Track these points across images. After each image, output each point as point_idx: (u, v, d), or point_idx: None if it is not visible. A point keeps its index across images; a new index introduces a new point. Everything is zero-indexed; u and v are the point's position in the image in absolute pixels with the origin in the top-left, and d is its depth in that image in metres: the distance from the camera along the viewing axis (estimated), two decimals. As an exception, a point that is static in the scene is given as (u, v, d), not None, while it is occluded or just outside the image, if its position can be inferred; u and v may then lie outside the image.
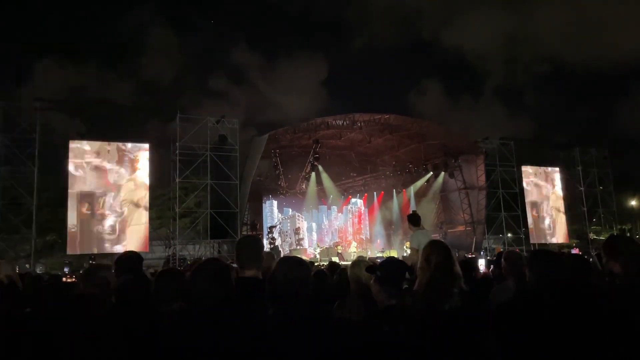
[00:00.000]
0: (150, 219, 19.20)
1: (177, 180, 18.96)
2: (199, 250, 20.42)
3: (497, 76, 78.38)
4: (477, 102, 73.78)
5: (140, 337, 2.45)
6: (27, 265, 17.16)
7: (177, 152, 18.95)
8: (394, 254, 21.39)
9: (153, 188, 19.56)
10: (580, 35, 70.25)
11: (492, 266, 4.90)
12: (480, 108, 68.06)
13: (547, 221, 25.32)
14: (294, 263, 2.50)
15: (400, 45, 79.17)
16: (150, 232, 18.74)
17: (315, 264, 14.41)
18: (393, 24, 77.26)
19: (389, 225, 29.02)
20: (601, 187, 27.31)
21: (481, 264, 10.94)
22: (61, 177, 18.58)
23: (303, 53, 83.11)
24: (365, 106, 78.67)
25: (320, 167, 25.70)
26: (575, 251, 14.07)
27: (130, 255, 3.98)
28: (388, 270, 2.85)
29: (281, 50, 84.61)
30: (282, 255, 20.76)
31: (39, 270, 18.87)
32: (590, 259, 6.50)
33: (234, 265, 4.06)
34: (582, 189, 26.36)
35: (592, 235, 27.17)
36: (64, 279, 9.85)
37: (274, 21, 73.38)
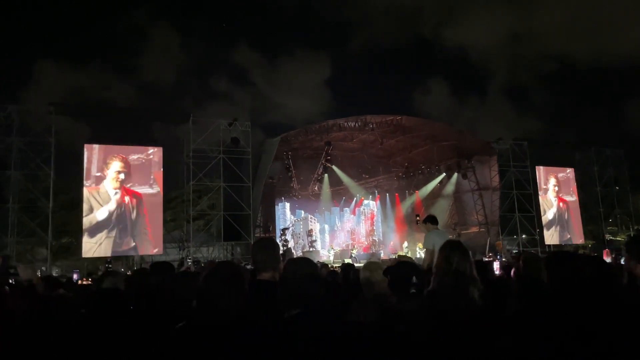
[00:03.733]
0: (164, 221, 19.32)
1: (191, 182, 19.08)
2: (213, 252, 20.51)
3: (503, 75, 77.45)
4: (483, 102, 73.02)
5: (153, 342, 2.45)
6: (44, 268, 17.36)
7: (191, 154, 19.07)
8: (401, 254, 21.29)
9: (166, 191, 19.69)
10: (588, 31, 69.20)
11: (513, 268, 4.84)
12: (486, 107, 67.38)
13: (562, 222, 25.04)
14: (301, 262, 2.51)
15: (402, 44, 78.54)
16: (164, 235, 18.86)
17: (329, 265, 14.39)
18: (394, 23, 76.59)
19: (399, 227, 28.90)
20: (617, 187, 26.97)
21: (496, 266, 10.82)
22: (76, 180, 18.77)
23: (306, 54, 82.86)
24: (370, 106, 78.46)
25: (335, 167, 25.72)
26: (605, 254, 13.84)
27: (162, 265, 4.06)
28: (397, 273, 2.83)
29: (283, 51, 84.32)
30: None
31: (54, 273, 19.08)
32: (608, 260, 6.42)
33: (249, 267, 4.08)
34: (598, 189, 26.04)
35: (608, 236, 26.82)
36: (79, 282, 9.97)
37: (274, 22, 73.37)
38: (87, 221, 17.15)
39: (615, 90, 67.98)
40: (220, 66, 76.90)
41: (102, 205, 17.40)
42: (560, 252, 2.72)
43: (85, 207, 17.19)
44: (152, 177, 18.41)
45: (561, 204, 25.26)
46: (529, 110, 72.53)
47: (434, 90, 74.74)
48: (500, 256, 19.18)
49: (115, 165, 17.88)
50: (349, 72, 75.48)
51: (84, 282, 9.57)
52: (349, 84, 74.31)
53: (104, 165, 17.69)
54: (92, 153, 17.73)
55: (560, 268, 2.50)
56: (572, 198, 25.80)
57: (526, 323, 2.39)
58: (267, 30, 75.35)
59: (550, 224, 24.70)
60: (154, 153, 18.65)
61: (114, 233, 17.37)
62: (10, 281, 8.80)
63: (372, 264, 3.65)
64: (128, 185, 17.90)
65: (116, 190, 17.69)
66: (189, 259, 18.33)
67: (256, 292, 2.72)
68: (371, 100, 68.39)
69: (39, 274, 12.22)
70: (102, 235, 17.27)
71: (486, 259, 17.68)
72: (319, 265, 7.23)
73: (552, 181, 25.24)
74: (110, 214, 17.45)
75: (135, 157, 18.32)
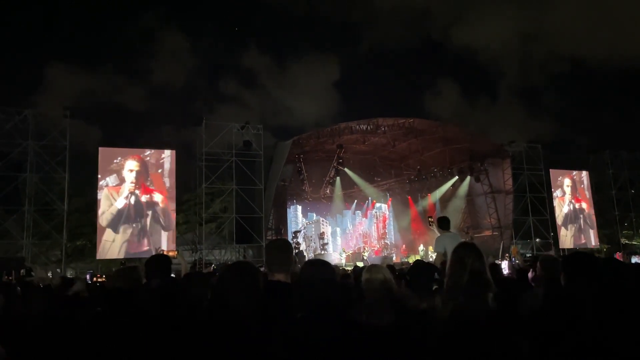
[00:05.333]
0: (177, 224, 19.43)
1: (204, 185, 19.17)
2: (225, 255, 20.59)
3: (513, 76, 76.55)
4: (494, 104, 72.18)
5: (166, 337, 2.46)
6: (59, 270, 17.55)
7: (204, 157, 19.18)
8: (418, 258, 21.19)
9: (178, 194, 19.82)
10: (600, 31, 68.16)
11: (531, 270, 4.81)
12: (498, 109, 66.68)
13: (576, 226, 24.79)
14: (319, 265, 2.50)
15: (411, 46, 78.02)
16: (177, 237, 18.98)
17: (341, 268, 14.39)
18: (402, 25, 75.93)
19: (414, 230, 28.78)
20: (633, 191, 26.63)
21: (504, 267, 10.81)
22: (90, 183, 18.96)
23: (314, 56, 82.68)
24: (379, 108, 78.13)
25: (348, 170, 25.70)
26: (618, 257, 13.76)
27: (159, 258, 4.05)
28: (417, 274, 2.82)
29: (292, 54, 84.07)
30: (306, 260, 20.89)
31: (69, 274, 19.29)
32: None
33: (262, 269, 4.09)
34: (613, 192, 25.73)
35: (623, 240, 26.48)
36: (94, 279, 10.10)
37: (283, 24, 73.28)
38: (105, 218, 17.37)
39: (630, 92, 66.98)
40: (230, 69, 77.18)
41: (119, 198, 17.72)
42: (577, 254, 2.69)
43: (105, 203, 17.40)
44: (163, 179, 18.58)
45: (576, 207, 25.02)
46: (541, 112, 71.72)
47: (444, 92, 74.16)
48: (513, 259, 19.03)
49: (131, 164, 18.12)
50: (358, 74, 75.16)
51: (98, 279, 9.68)
52: (358, 86, 74.15)
53: (120, 166, 17.91)
54: (107, 156, 17.93)
55: (577, 269, 2.48)
56: (587, 201, 25.54)
57: (542, 324, 2.37)
58: (275, 33, 75.49)
59: (565, 227, 24.48)
60: (167, 156, 18.79)
61: (130, 231, 17.56)
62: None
63: (373, 267, 3.65)
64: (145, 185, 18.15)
65: (134, 189, 17.92)
66: (212, 263, 18.45)
67: (269, 293, 2.72)
68: (381, 102, 68.07)
69: (50, 274, 12.37)
70: (120, 230, 17.46)
71: (500, 262, 17.57)
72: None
73: (567, 183, 25.01)
74: (128, 206, 17.69)
75: (148, 160, 18.50)
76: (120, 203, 17.63)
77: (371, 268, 3.55)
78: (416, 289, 2.72)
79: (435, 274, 2.68)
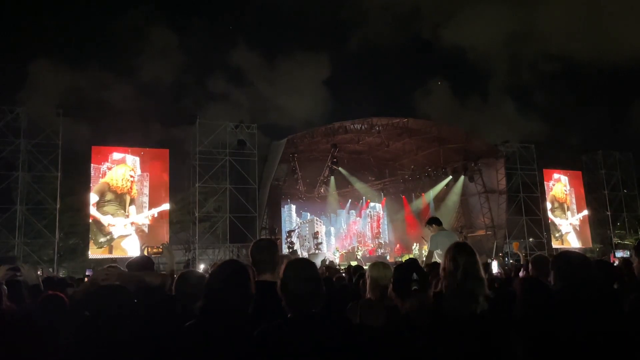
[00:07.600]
0: (171, 223, 19.37)
1: (197, 184, 19.11)
2: (218, 254, 20.54)
3: (506, 76, 76.61)
4: (485, 103, 72.16)
5: (159, 339, 2.43)
6: (50, 269, 17.44)
7: (197, 156, 19.12)
8: (412, 257, 21.19)
9: (172, 193, 19.76)
10: (591, 30, 68.47)
11: (522, 269, 4.82)
12: (489, 109, 66.70)
13: (569, 225, 24.90)
14: (303, 263, 2.48)
15: (401, 45, 77.81)
16: (170, 236, 18.92)
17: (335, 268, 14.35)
18: (392, 23, 75.66)
19: (408, 229, 28.81)
20: (625, 191, 26.78)
21: (494, 266, 10.87)
22: (83, 182, 18.86)
23: (305, 55, 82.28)
24: (370, 107, 78.14)
25: (342, 169, 25.66)
26: (612, 257, 13.88)
27: (142, 260, 4.01)
28: (398, 274, 2.81)
29: (283, 52, 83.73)
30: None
31: (61, 274, 19.16)
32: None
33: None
34: (605, 192, 25.87)
35: (616, 240, 26.63)
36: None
37: (272, 23, 73.00)
38: (99, 215, 17.32)
39: (622, 91, 67.28)
40: (222, 68, 77.00)
41: (114, 196, 17.67)
42: (567, 253, 2.69)
43: (98, 200, 17.37)
44: (159, 177, 18.54)
45: (569, 207, 25.13)
46: (534, 112, 71.99)
47: (434, 92, 74.12)
48: (508, 258, 19.11)
49: (128, 159, 18.08)
50: (350, 73, 74.99)
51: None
52: (351, 85, 74.04)
53: (115, 164, 17.83)
54: (100, 154, 17.86)
55: (567, 268, 2.47)
56: (580, 201, 25.65)
57: (533, 325, 2.36)
58: (265, 31, 75.19)
59: (558, 227, 24.58)
60: (162, 154, 18.75)
61: (125, 228, 17.54)
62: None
63: (380, 264, 3.61)
64: (137, 186, 18.08)
65: (129, 186, 17.87)
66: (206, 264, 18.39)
67: (259, 293, 2.70)
68: (374, 102, 67.99)
69: (40, 272, 12.24)
70: (113, 227, 17.49)
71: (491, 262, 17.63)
72: (325, 265, 7.20)
73: (560, 183, 25.13)
74: (121, 204, 17.74)
75: (143, 155, 18.47)
76: (113, 201, 17.56)
77: (378, 266, 3.51)
78: (398, 290, 2.69)
79: (414, 274, 2.64)
